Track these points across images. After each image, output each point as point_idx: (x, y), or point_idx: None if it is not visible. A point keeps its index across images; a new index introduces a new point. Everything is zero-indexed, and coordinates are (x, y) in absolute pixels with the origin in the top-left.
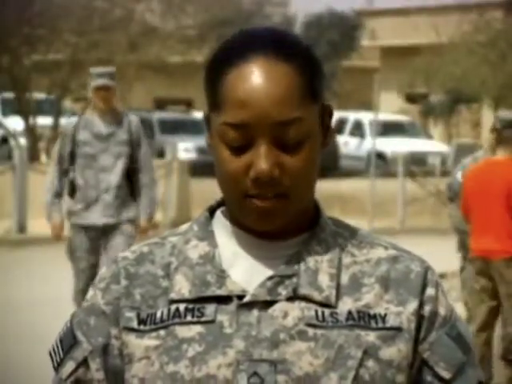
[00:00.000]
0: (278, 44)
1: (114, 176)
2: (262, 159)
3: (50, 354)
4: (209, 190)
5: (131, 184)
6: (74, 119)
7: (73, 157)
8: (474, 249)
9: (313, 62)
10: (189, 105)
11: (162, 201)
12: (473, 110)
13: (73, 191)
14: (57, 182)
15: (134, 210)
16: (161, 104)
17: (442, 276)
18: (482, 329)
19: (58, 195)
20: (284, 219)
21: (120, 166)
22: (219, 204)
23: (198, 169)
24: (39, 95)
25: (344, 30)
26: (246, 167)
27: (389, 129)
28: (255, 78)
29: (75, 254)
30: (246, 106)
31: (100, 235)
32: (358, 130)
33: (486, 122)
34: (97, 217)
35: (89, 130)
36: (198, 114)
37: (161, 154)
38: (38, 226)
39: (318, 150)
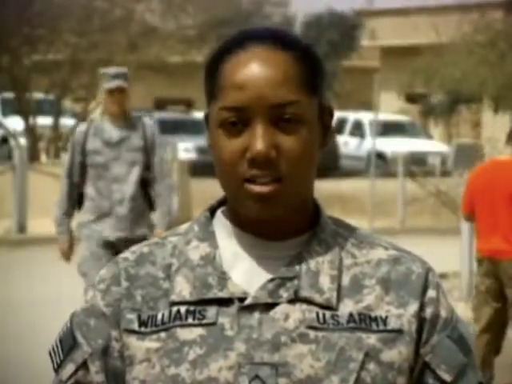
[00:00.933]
0: (276, 36)
1: (128, 186)
2: (258, 140)
3: (50, 354)
4: (209, 189)
5: (148, 195)
6: (83, 126)
7: (83, 168)
8: (482, 249)
9: (312, 56)
10: (189, 105)
11: None
12: (473, 110)
13: (80, 203)
14: (66, 198)
15: (150, 225)
16: (161, 104)
17: (443, 276)
18: (484, 330)
19: (68, 214)
20: (282, 205)
21: (134, 174)
22: (220, 204)
23: (198, 169)
24: (39, 95)
25: (344, 30)
26: (243, 149)
27: (389, 129)
28: (253, 62)
29: (85, 269)
30: (243, 89)
31: (112, 250)
32: (358, 129)
33: (486, 122)
34: (109, 230)
35: (99, 137)
36: (198, 114)
37: None
38: (38, 226)
39: (316, 140)
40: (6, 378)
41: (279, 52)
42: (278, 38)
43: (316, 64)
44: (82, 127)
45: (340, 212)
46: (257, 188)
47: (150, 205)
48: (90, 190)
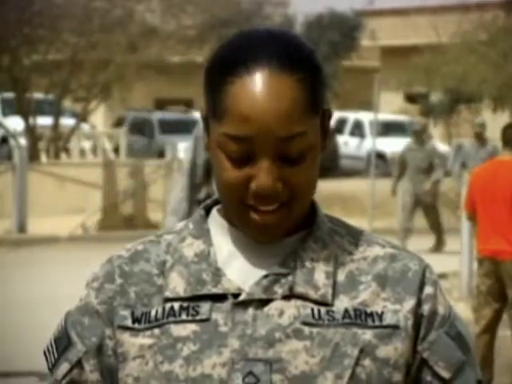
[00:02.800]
0: (282, 53)
1: None
2: (264, 174)
3: (45, 354)
4: None
5: None
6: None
7: (209, 168)
8: (482, 249)
9: (316, 71)
10: (189, 105)
11: (162, 201)
12: (473, 110)
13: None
14: (185, 203)
15: None
16: (161, 104)
17: (443, 276)
18: (484, 331)
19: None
20: (285, 229)
21: None
22: (215, 202)
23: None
24: (39, 95)
25: (344, 30)
26: (247, 179)
27: (389, 129)
28: (259, 91)
29: None
30: (249, 121)
31: None
32: (358, 129)
33: (486, 122)
34: None
35: None
36: (198, 114)
37: (161, 154)
38: (38, 226)
39: (319, 157)
40: (7, 376)
41: (286, 76)
42: (284, 56)
43: (320, 78)
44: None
45: (340, 212)
46: (260, 217)
47: None
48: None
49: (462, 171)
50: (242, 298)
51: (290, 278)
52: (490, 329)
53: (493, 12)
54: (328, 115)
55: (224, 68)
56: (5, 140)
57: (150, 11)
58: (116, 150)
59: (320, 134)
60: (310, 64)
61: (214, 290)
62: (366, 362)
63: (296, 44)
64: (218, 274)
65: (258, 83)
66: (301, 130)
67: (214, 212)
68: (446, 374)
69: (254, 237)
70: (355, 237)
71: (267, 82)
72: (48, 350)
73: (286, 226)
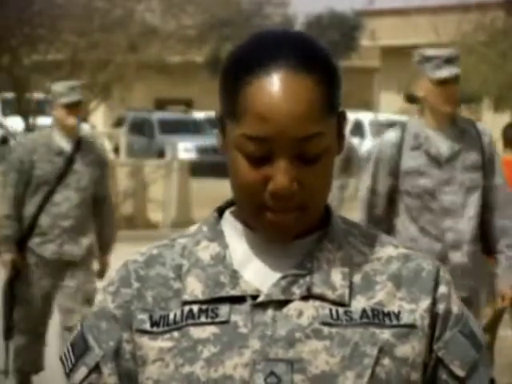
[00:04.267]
0: (299, 54)
1: (465, 223)
2: (281, 174)
3: (61, 360)
4: (209, 189)
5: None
6: (393, 134)
7: (393, 195)
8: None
9: (333, 72)
10: (189, 105)
11: (162, 201)
12: (473, 110)
13: None
14: None
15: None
16: (161, 104)
17: None
18: (485, 330)
19: None
20: (299, 230)
21: (473, 205)
22: (228, 204)
23: (198, 169)
24: (39, 95)
25: (344, 30)
26: (264, 180)
27: (389, 129)
28: (276, 92)
29: None
30: (267, 122)
31: None
32: (358, 129)
33: (486, 122)
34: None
35: (421, 150)
36: (198, 114)
37: (161, 154)
38: None
39: (334, 159)
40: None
41: (303, 76)
42: (301, 56)
43: (336, 79)
44: (392, 135)
45: (341, 212)
46: (277, 218)
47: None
48: (405, 226)
49: None
50: (260, 299)
51: (307, 278)
52: (491, 328)
53: (493, 12)
54: (343, 117)
55: (241, 69)
56: (5, 140)
57: (150, 11)
58: (116, 150)
59: (336, 136)
60: (327, 65)
61: (233, 292)
62: (386, 361)
63: (313, 45)
64: (235, 276)
65: (275, 84)
66: (318, 130)
67: (228, 214)
68: (460, 373)
69: (270, 237)
70: (368, 237)
71: (285, 82)
72: (65, 355)
73: (302, 227)
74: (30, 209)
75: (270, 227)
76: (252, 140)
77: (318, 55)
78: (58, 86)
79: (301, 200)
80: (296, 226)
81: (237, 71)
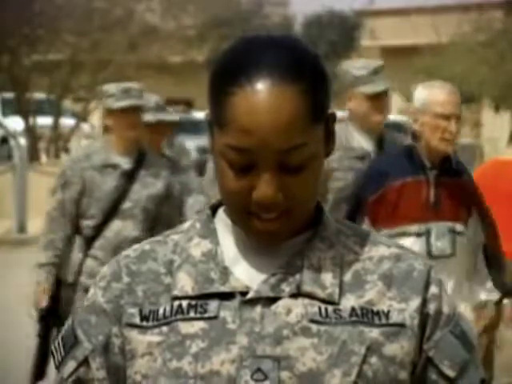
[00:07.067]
0: (285, 62)
1: None
2: (265, 185)
3: (52, 353)
4: None
5: None
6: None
7: None
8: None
9: (320, 79)
10: (189, 105)
11: None
12: (473, 110)
13: None
14: None
15: None
16: None
17: None
18: (485, 330)
19: None
20: (287, 235)
21: None
22: (221, 202)
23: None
24: (39, 95)
25: (344, 30)
26: (249, 188)
27: (389, 129)
28: (260, 103)
29: None
30: (250, 134)
31: None
32: None
33: (486, 122)
34: None
35: None
36: (198, 114)
37: None
38: (38, 226)
39: (322, 164)
40: (6, 376)
41: (287, 86)
42: (286, 66)
43: (324, 86)
44: None
45: None
46: (262, 224)
47: None
48: None
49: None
50: (249, 296)
51: (297, 276)
52: (491, 328)
53: (493, 12)
54: (333, 119)
55: (226, 78)
56: (5, 140)
57: (150, 11)
58: None
59: (324, 140)
60: (314, 72)
61: (222, 289)
62: (373, 359)
63: (299, 52)
64: (225, 272)
65: (259, 95)
66: (301, 141)
67: (221, 212)
68: (450, 373)
69: (258, 242)
70: (361, 237)
71: (268, 93)
72: (55, 348)
73: (289, 232)
74: None
75: (256, 234)
76: (235, 150)
77: (304, 63)
78: (111, 88)
79: (286, 208)
80: (283, 232)
81: (222, 80)
